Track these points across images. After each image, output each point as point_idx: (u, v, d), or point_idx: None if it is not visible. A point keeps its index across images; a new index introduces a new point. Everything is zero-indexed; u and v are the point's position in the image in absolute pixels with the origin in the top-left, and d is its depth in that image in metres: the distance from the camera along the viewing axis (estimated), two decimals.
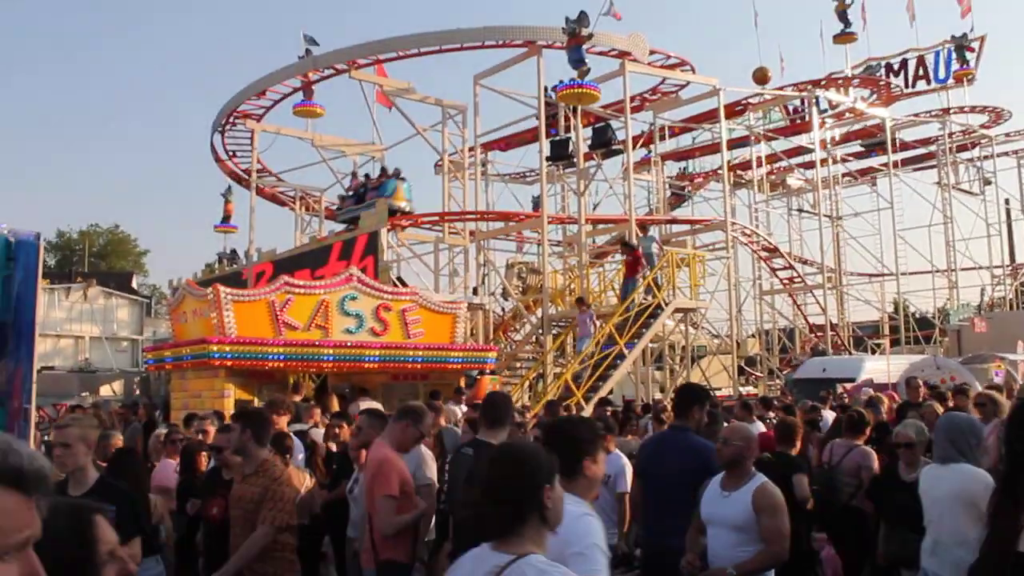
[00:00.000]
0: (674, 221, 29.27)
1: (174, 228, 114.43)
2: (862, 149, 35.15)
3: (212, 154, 30.78)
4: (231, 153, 30.41)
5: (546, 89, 21.97)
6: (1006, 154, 38.18)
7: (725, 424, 6.78)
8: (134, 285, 48.76)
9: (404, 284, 19.18)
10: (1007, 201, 38.36)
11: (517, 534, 2.62)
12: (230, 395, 13.29)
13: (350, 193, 24.72)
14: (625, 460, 7.36)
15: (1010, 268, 37.19)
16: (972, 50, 34.85)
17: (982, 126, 36.20)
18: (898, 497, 6.13)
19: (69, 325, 34.70)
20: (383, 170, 24.53)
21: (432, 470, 6.35)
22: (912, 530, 5.80)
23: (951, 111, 35.10)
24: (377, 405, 10.09)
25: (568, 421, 4.55)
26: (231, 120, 27.98)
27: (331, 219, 31.49)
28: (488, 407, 5.76)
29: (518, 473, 2.70)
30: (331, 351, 14.06)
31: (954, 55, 34.89)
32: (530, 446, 3.08)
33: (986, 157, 36.67)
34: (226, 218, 31.15)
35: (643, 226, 21.57)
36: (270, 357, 13.52)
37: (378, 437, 5.89)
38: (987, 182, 36.24)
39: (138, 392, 29.71)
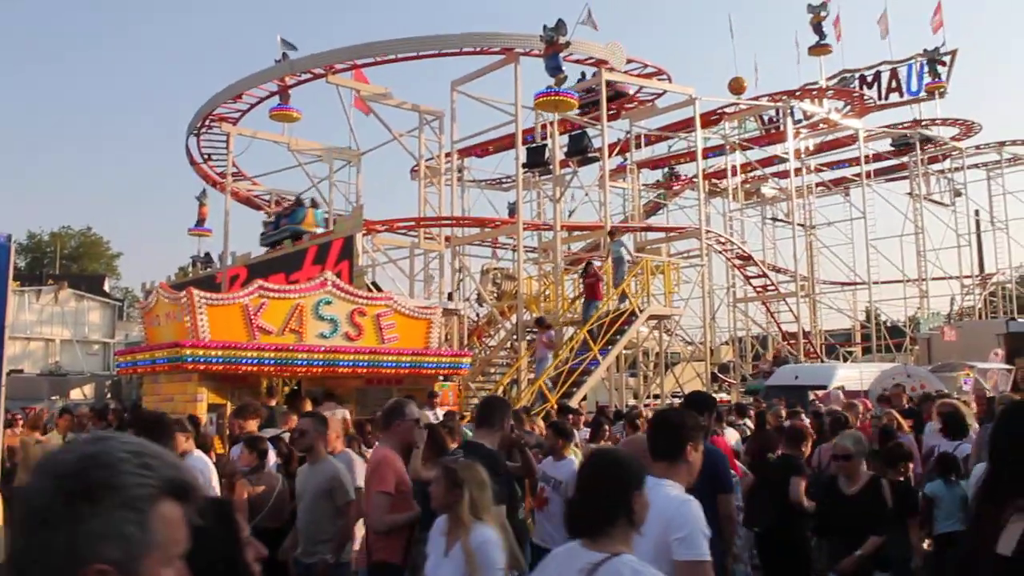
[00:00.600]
0: (649, 228, 29.41)
1: (148, 231, 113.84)
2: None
3: (187, 157, 30.62)
4: (206, 156, 30.25)
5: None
6: (976, 166, 38.69)
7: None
8: (106, 288, 48.40)
9: (379, 289, 19.15)
10: (977, 212, 38.90)
11: (607, 534, 2.85)
12: (203, 399, 13.22)
13: (271, 219, 24.94)
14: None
15: (979, 278, 37.68)
16: (944, 64, 35.34)
17: (953, 138, 36.70)
18: (839, 511, 6.13)
19: (39, 328, 34.41)
20: (297, 199, 25.06)
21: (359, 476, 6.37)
22: (847, 545, 5.84)
23: (923, 123, 35.55)
24: (344, 412, 10.10)
25: (674, 410, 4.88)
26: (207, 123, 27.84)
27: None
28: (483, 409, 5.87)
29: (613, 477, 2.96)
30: (305, 355, 14.01)
31: (926, 68, 35.36)
32: (624, 453, 3.45)
33: (957, 169, 37.17)
34: (200, 221, 30.96)
35: (612, 231, 21.52)
36: (243, 361, 13.45)
37: (380, 440, 5.99)
38: (957, 193, 36.72)
39: (109, 396, 29.47)
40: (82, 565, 1.24)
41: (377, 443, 6.03)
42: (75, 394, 29.58)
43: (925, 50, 35.53)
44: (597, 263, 20.46)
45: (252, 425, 7.43)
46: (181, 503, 1.36)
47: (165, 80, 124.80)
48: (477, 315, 27.75)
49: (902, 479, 6.93)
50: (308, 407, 11.30)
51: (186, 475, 1.39)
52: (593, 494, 2.95)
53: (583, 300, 20.39)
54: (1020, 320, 31.78)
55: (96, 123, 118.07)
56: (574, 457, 7.75)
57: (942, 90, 35.44)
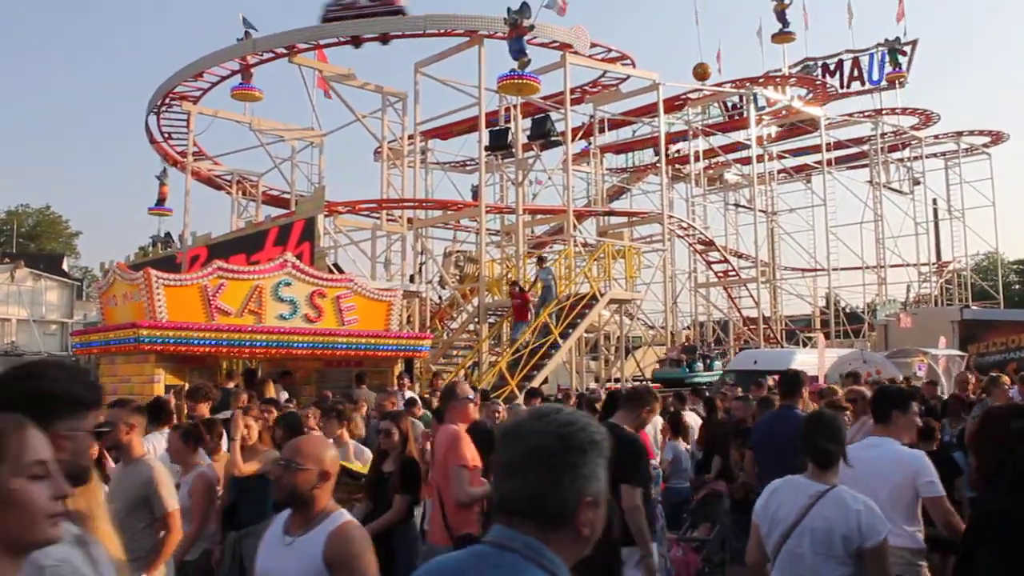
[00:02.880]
0: (612, 213, 29.54)
1: (108, 210, 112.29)
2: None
3: (147, 135, 30.21)
4: (166, 135, 29.87)
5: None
6: (934, 155, 39.24)
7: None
8: (65, 267, 47.78)
9: (340, 271, 19.08)
10: (934, 201, 39.52)
11: (830, 471, 3.97)
12: (160, 380, 13.13)
13: None
14: None
15: (936, 266, 38.29)
16: (904, 53, 35.79)
17: (912, 128, 37.18)
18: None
19: None
20: None
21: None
22: None
23: (883, 112, 35.97)
24: (281, 394, 10.08)
25: (885, 385, 6.80)
26: (167, 101, 27.47)
27: (270, 203, 31.19)
28: (630, 394, 6.30)
29: (834, 430, 4.10)
30: (263, 337, 13.95)
31: (887, 58, 35.76)
32: (836, 415, 4.60)
33: (915, 158, 37.67)
34: (161, 201, 30.64)
35: (540, 259, 21.08)
36: (201, 342, 13.36)
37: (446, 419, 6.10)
38: (916, 182, 37.25)
39: None
40: (581, 497, 1.78)
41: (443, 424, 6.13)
42: None
43: (886, 39, 35.97)
44: (547, 270, 20.23)
45: (204, 408, 7.35)
46: None
47: (125, 56, 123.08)
48: (439, 298, 27.77)
49: None
50: (271, 391, 11.28)
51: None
52: (824, 440, 4.01)
53: (512, 321, 20.40)
54: (975, 308, 32.41)
55: (54, 99, 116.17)
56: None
57: (902, 80, 35.91)
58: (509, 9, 20.10)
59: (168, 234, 30.68)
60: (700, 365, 22.89)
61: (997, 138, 39.68)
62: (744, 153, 32.69)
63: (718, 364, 23.60)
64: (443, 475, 5.74)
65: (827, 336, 32.52)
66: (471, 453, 5.68)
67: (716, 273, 31.39)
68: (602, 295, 20.26)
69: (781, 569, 3.95)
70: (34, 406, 1.97)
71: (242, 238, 22.19)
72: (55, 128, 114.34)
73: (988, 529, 3.30)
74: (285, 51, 23.88)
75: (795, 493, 3.97)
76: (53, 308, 36.25)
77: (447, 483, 5.67)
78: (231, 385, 12.30)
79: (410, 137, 25.49)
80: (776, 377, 16.98)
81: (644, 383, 17.79)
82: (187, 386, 11.91)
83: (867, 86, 36.75)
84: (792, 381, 7.17)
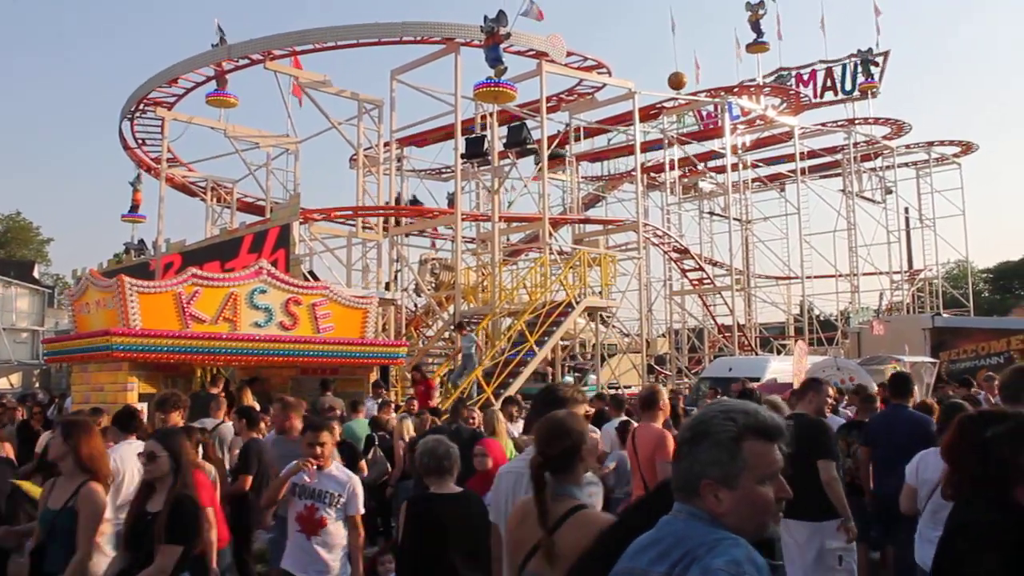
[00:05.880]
0: (587, 221, 29.63)
1: (80, 216, 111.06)
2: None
3: (120, 141, 30.00)
4: (140, 141, 29.67)
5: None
6: (906, 165, 39.64)
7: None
8: (36, 275, 47.28)
9: (316, 278, 19.02)
10: (906, 210, 39.90)
11: None
12: (134, 388, 13.02)
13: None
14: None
15: (907, 274, 38.66)
16: (876, 64, 36.16)
17: (884, 137, 37.57)
18: None
19: None
20: None
21: None
22: None
23: (856, 122, 36.33)
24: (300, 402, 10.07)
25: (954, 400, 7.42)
26: (141, 107, 27.28)
27: (245, 210, 31.03)
28: (807, 383, 7.31)
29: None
30: (238, 345, 13.86)
31: (860, 69, 36.13)
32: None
33: (887, 167, 38.07)
34: (134, 207, 30.40)
35: (460, 325, 20.00)
36: (175, 350, 13.27)
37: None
38: (888, 191, 37.64)
39: (37, 385, 28.87)
40: (699, 479, 2.11)
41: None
42: (2, 383, 28.91)
43: (859, 50, 36.34)
44: (469, 337, 18.99)
45: (175, 417, 7.28)
46: (765, 439, 2.13)
47: (99, 61, 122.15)
48: (415, 305, 27.72)
49: None
50: (248, 398, 11.22)
51: (764, 420, 2.16)
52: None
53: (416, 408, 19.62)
54: (946, 315, 32.74)
55: (24, 104, 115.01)
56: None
57: (875, 90, 36.29)
58: (486, 17, 20.13)
59: (142, 241, 30.44)
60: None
61: (967, 148, 40.16)
62: (719, 162, 32.89)
63: (592, 378, 22.97)
64: (650, 469, 6.51)
65: None
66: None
67: (691, 281, 31.53)
68: (578, 303, 20.32)
69: (931, 514, 5.13)
70: None
71: (217, 245, 22.09)
72: (25, 133, 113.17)
73: (966, 539, 3.25)
74: (260, 57, 23.80)
75: (936, 459, 4.90)
76: (24, 315, 35.82)
77: (654, 478, 6.37)
78: (215, 391, 12.18)
79: (386, 144, 25.45)
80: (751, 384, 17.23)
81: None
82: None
83: (840, 96, 37.10)
84: (902, 382, 7.99)
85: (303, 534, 5.59)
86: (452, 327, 20.72)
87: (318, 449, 5.67)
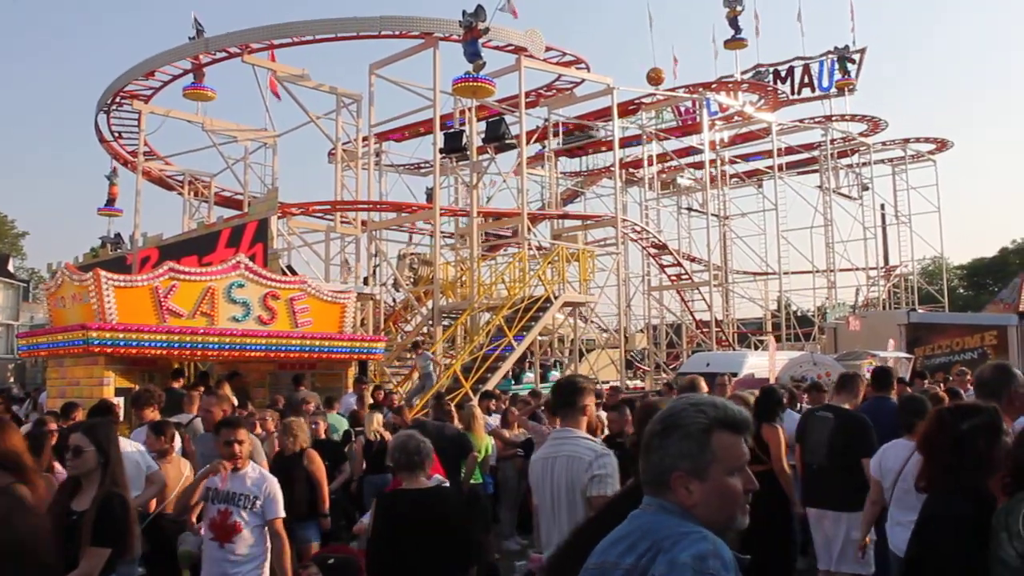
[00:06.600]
0: (566, 216, 29.68)
1: (56, 210, 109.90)
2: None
3: (96, 134, 29.76)
4: (117, 134, 29.45)
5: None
6: (882, 162, 39.94)
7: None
8: (11, 268, 46.86)
9: (294, 273, 18.98)
10: (882, 206, 40.18)
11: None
12: (110, 383, 12.99)
13: None
14: None
15: (883, 270, 38.98)
16: (853, 61, 36.44)
17: (861, 134, 37.85)
18: None
19: None
20: None
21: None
22: None
23: (833, 118, 36.57)
24: (226, 395, 10.04)
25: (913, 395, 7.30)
26: (117, 100, 27.07)
27: (222, 204, 30.88)
28: (843, 378, 7.57)
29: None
30: (215, 339, 13.84)
31: (837, 66, 36.38)
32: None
33: (864, 164, 38.34)
34: (110, 201, 30.22)
35: (415, 344, 19.78)
36: (152, 344, 13.22)
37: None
38: (864, 188, 37.92)
39: (12, 380, 28.64)
40: (670, 471, 2.14)
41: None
42: None
43: (836, 47, 36.60)
44: (425, 356, 18.12)
45: (150, 413, 7.25)
46: (732, 432, 2.17)
47: (74, 53, 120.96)
48: (393, 300, 27.69)
49: None
50: (227, 393, 11.18)
51: (733, 413, 2.20)
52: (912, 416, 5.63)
53: None
54: (921, 311, 33.04)
55: None
56: None
57: (851, 87, 36.57)
58: (464, 12, 20.15)
59: (118, 235, 30.28)
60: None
61: (942, 145, 40.49)
62: (697, 158, 33.03)
63: (529, 375, 23.00)
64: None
65: (778, 339, 32.98)
66: None
67: (669, 276, 31.65)
68: (556, 298, 20.38)
69: (899, 500, 5.51)
70: None
71: (194, 239, 21.96)
72: None
73: (939, 530, 3.30)
74: (238, 50, 23.66)
75: (900, 449, 5.66)
76: None
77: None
78: (177, 385, 12.18)
79: (364, 139, 25.39)
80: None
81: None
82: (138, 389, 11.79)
83: (817, 93, 37.37)
84: (884, 375, 8.36)
85: (215, 542, 5.22)
86: (411, 346, 20.31)
87: (236, 448, 5.26)
